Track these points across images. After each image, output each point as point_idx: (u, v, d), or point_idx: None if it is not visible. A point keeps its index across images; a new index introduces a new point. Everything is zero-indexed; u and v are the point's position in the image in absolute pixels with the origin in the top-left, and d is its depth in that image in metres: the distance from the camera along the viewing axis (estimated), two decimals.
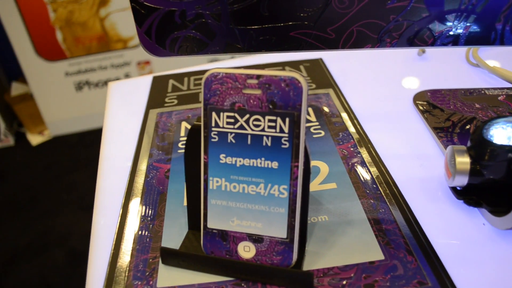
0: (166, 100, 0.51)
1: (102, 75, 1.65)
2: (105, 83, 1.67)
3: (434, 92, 0.49)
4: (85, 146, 1.79)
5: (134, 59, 1.64)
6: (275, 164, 0.28)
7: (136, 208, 0.36)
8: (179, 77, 0.55)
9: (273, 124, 0.28)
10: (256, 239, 0.29)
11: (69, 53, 1.58)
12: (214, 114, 0.28)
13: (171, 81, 0.55)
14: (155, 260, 0.32)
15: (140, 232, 0.34)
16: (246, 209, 0.29)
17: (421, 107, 0.46)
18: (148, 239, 0.34)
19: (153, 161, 0.41)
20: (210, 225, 0.30)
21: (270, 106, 0.27)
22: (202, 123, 0.29)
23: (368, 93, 0.50)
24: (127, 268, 0.31)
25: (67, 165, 1.69)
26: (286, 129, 0.27)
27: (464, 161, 0.33)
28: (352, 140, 0.42)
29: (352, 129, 0.43)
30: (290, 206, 0.28)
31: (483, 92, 0.49)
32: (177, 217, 0.35)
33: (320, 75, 0.53)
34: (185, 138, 0.44)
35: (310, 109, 0.47)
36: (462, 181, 0.33)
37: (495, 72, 0.51)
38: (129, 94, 0.54)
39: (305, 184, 0.29)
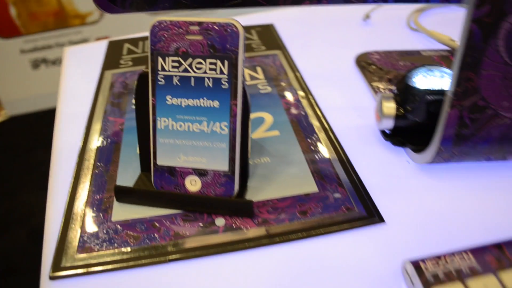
0: (121, 62, 0.53)
1: (60, 52, 1.62)
2: None
3: (375, 53, 0.53)
4: (44, 125, 1.75)
5: (92, 36, 1.62)
6: (216, 103, 0.31)
7: (91, 158, 0.38)
8: (134, 41, 0.57)
9: (213, 66, 0.30)
10: (201, 173, 0.32)
11: (24, 30, 1.54)
12: (160, 59, 0.31)
13: (126, 45, 0.56)
14: (110, 199, 0.34)
15: (95, 177, 0.36)
16: (192, 146, 0.32)
17: (362, 66, 0.50)
18: (103, 182, 0.36)
19: (108, 116, 0.43)
20: (159, 162, 0.33)
21: (211, 50, 0.30)
22: (149, 68, 0.31)
23: (314, 54, 0.53)
24: (84, 207, 0.34)
25: (27, 145, 1.66)
26: (225, 71, 0.30)
27: (390, 106, 0.37)
28: (296, 95, 0.45)
29: (296, 85, 0.47)
30: (231, 141, 0.31)
31: (419, 53, 0.53)
32: (130, 163, 0.37)
33: (270, 38, 0.56)
34: None
35: (258, 68, 0.50)
36: (389, 124, 0.37)
37: (432, 36, 0.55)
38: (84, 58, 0.55)
39: (244, 121, 0.32)
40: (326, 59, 0.52)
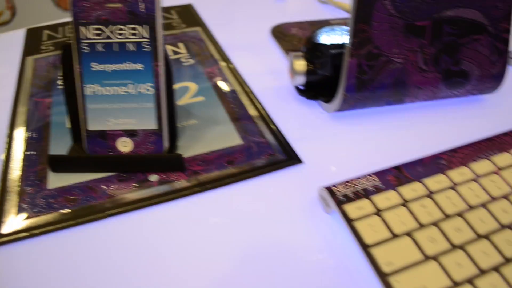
0: (42, 47, 0.53)
1: None
2: None
3: (289, 24, 0.57)
4: None
5: None
6: (140, 66, 0.33)
7: (21, 137, 0.39)
8: (53, 27, 0.57)
9: (134, 31, 0.33)
10: (131, 133, 0.34)
11: None
12: (82, 28, 0.33)
13: (45, 31, 0.56)
14: (44, 170, 0.35)
15: (28, 153, 0.37)
16: (120, 109, 0.34)
17: (277, 37, 0.54)
18: (36, 157, 0.37)
19: (34, 98, 0.44)
20: (90, 127, 0.34)
21: (130, 16, 0.32)
22: (73, 38, 0.33)
23: (233, 29, 0.57)
24: (19, 180, 0.35)
25: None
26: (146, 35, 0.33)
27: (300, 63, 0.41)
28: (217, 65, 0.48)
29: (217, 56, 0.50)
30: (157, 101, 0.34)
31: (328, 22, 0.58)
32: (61, 138, 0.39)
33: (190, 17, 0.59)
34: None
35: (180, 44, 0.52)
36: (301, 80, 0.41)
37: (339, 6, 0.61)
38: (2, 47, 0.54)
39: (168, 81, 0.34)
40: (244, 32, 0.56)
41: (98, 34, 0.33)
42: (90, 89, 0.34)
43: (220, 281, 0.28)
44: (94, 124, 0.34)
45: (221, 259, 0.29)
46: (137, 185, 0.34)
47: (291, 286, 0.28)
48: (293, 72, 0.41)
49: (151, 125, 0.34)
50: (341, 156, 0.37)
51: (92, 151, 0.35)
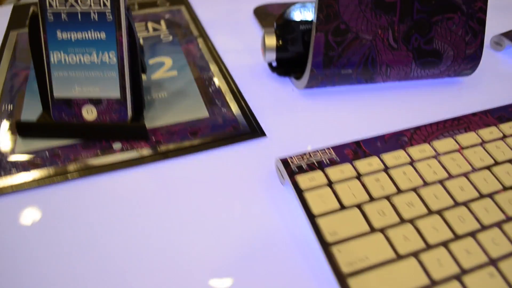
0: (27, 22, 0.53)
1: None
2: None
3: (272, 5, 0.57)
4: None
5: None
6: (103, 35, 0.34)
7: None
8: None
9: (97, 1, 0.33)
10: (96, 102, 0.35)
11: None
12: None
13: (32, 7, 0.57)
14: (12, 135, 0.36)
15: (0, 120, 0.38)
16: (85, 77, 0.34)
17: (259, 17, 0.54)
18: (6, 121, 0.38)
19: (13, 69, 0.45)
20: (56, 95, 0.35)
21: None
22: (38, 7, 0.33)
23: (217, 8, 0.57)
24: None
25: None
26: (108, 4, 0.33)
27: (271, 39, 0.41)
28: (195, 42, 0.48)
29: (196, 33, 0.50)
30: (120, 70, 0.34)
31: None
32: (34, 106, 0.39)
33: None
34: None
35: (162, 21, 0.52)
36: (271, 56, 0.41)
37: None
38: None
39: (132, 52, 0.35)
40: (228, 12, 0.56)
41: (62, 3, 0.33)
42: (56, 57, 0.34)
43: (174, 245, 0.28)
44: (60, 91, 0.35)
45: (176, 225, 0.30)
46: (100, 152, 0.34)
47: (239, 253, 0.28)
48: (264, 48, 0.41)
49: (115, 94, 0.35)
50: (307, 132, 0.37)
51: (58, 118, 0.35)
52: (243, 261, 0.28)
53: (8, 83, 0.43)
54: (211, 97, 0.40)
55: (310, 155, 0.32)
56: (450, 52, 0.40)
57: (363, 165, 0.32)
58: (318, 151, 0.33)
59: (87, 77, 0.34)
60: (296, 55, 0.41)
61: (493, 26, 0.54)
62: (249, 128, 0.37)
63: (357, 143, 0.34)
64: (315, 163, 0.32)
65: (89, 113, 0.35)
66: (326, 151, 0.33)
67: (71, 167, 0.33)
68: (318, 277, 0.27)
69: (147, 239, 0.29)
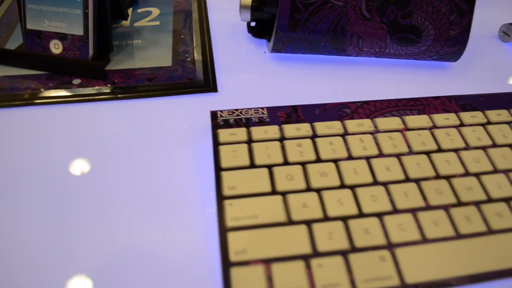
0: None
1: None
2: None
3: None
4: None
5: None
6: None
7: None
8: None
9: None
10: (62, 37, 0.37)
11: None
12: None
13: None
14: None
15: None
16: (54, 12, 0.37)
17: None
18: None
19: (15, 3, 0.48)
20: (28, 26, 0.37)
21: None
22: None
23: None
24: None
25: None
26: None
27: None
28: None
29: None
30: (84, 9, 0.36)
31: None
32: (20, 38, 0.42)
33: None
34: None
35: None
36: (247, 15, 0.41)
37: None
38: None
39: None
40: None
41: None
42: None
43: (98, 179, 0.30)
44: (31, 23, 0.37)
45: (107, 162, 0.31)
46: (61, 84, 0.37)
47: (147, 196, 0.29)
48: (240, 6, 0.41)
49: (79, 31, 0.36)
50: (261, 94, 0.37)
51: (30, 49, 0.38)
52: (149, 204, 0.29)
53: (6, 15, 0.46)
54: (181, 48, 0.41)
55: (241, 112, 0.32)
56: (431, 30, 0.37)
57: (291, 129, 0.31)
58: (251, 109, 0.33)
59: (56, 12, 0.37)
60: (272, 16, 0.40)
61: (505, 15, 0.49)
62: (203, 82, 0.37)
63: (294, 107, 0.33)
64: (243, 120, 0.32)
65: (56, 48, 0.37)
66: (260, 110, 0.33)
67: (28, 94, 0.36)
68: (207, 228, 0.27)
69: (81, 168, 0.31)
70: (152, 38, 0.42)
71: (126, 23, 0.44)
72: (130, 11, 0.46)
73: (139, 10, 0.46)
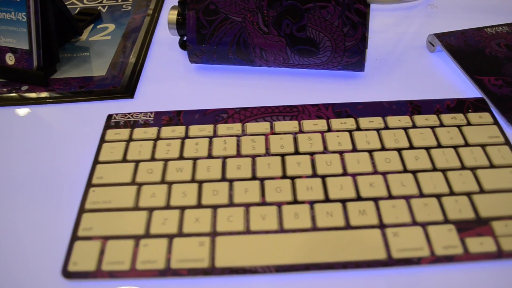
0: None
1: None
2: None
3: None
4: None
5: None
6: None
7: None
8: None
9: None
10: (13, 50, 0.45)
11: None
12: None
13: None
14: None
15: None
16: (6, 30, 0.44)
17: None
18: None
19: None
20: None
21: None
22: None
23: None
24: None
25: None
26: None
27: (173, 15, 0.45)
28: (145, 13, 0.55)
29: (152, 6, 0.56)
30: (28, 27, 0.43)
31: None
32: None
33: None
34: None
35: None
36: (174, 31, 0.46)
37: None
38: None
39: (44, 14, 0.43)
40: None
41: None
42: None
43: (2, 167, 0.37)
44: None
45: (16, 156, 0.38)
46: (13, 90, 0.44)
47: (35, 182, 0.35)
48: (168, 23, 0.46)
49: (25, 46, 0.44)
50: (176, 101, 0.41)
51: None
52: (34, 189, 0.35)
53: None
54: (120, 60, 0.47)
55: (132, 115, 0.37)
56: (327, 42, 0.39)
57: (167, 131, 0.36)
58: (142, 113, 0.37)
59: (8, 30, 0.44)
60: None
61: (439, 25, 0.49)
62: (124, 90, 0.43)
63: (178, 112, 0.37)
64: (131, 122, 0.37)
65: (10, 59, 0.45)
66: (148, 114, 0.37)
67: None
68: (72, 209, 0.32)
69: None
70: (98, 51, 0.49)
71: (83, 37, 0.51)
72: (91, 27, 0.53)
73: (99, 26, 0.53)
